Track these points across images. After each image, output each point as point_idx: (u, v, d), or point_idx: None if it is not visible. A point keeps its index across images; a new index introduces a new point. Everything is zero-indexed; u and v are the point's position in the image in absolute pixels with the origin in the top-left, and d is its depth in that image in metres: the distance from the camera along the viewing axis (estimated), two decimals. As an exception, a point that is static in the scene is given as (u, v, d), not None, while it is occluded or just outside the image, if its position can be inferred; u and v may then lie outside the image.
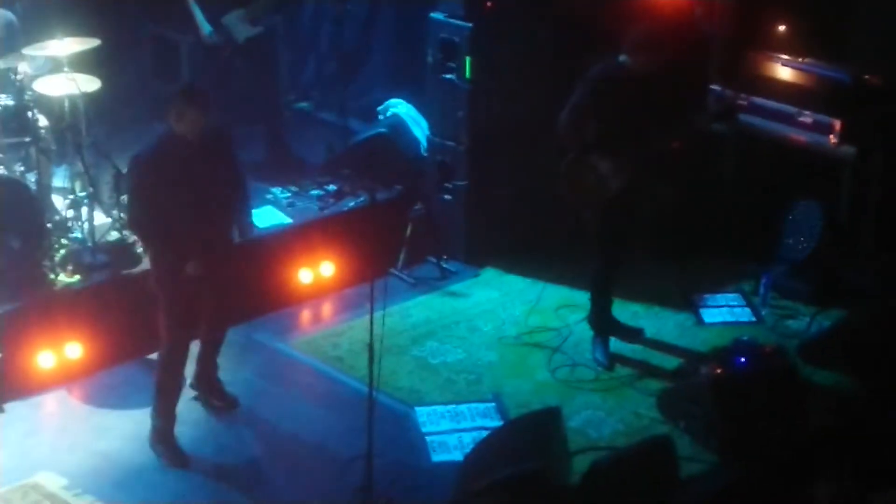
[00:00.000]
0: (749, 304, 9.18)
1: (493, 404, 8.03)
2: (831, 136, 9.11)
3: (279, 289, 9.07)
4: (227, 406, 7.96)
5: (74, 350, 8.13)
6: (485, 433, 7.51)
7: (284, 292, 9.09)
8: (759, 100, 9.50)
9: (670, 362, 8.48)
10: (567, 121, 8.01)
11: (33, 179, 8.59)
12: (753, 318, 9.03)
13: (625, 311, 8.85)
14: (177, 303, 7.40)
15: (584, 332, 8.65)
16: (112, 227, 8.73)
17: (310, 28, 11.32)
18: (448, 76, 9.44)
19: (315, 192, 9.78)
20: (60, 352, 8.10)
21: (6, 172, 8.41)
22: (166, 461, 7.47)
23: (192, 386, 7.94)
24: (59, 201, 8.87)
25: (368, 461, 7.00)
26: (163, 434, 7.53)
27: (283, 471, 7.45)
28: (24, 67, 8.77)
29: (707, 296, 9.24)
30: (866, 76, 9.22)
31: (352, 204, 9.68)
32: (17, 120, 8.53)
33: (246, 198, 7.94)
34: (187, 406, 7.91)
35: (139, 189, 7.32)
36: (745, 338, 8.07)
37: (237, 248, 7.86)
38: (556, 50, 9.40)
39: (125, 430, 7.74)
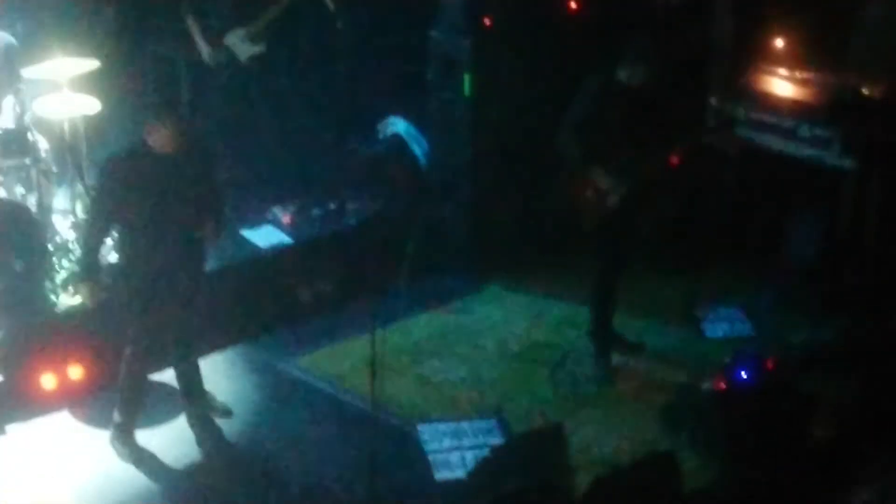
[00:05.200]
0: (751, 317, 9.17)
1: (496, 421, 8.02)
2: (831, 148, 9.12)
3: (281, 307, 9.07)
4: (220, 414, 8.00)
5: (76, 371, 8.13)
6: (487, 450, 7.50)
7: (286, 310, 9.08)
8: (757, 113, 9.50)
9: (673, 376, 8.48)
10: (565, 135, 8.02)
11: (34, 201, 8.61)
12: (755, 331, 9.02)
13: (626, 325, 8.84)
14: (138, 311, 7.47)
15: (586, 347, 8.64)
16: (113, 248, 8.74)
17: (309, 45, 11.33)
18: (448, 93, 9.46)
19: (316, 210, 9.78)
20: (62, 373, 8.10)
21: (7, 195, 8.43)
22: (124, 458, 7.61)
23: (183, 403, 7.97)
24: (60, 223, 8.88)
25: (371, 480, 6.99)
26: (122, 432, 7.66)
27: (286, 490, 7.44)
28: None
29: (709, 309, 9.23)
30: (865, 88, 9.23)
31: (353, 221, 9.69)
32: (17, 142, 8.55)
33: (222, 217, 7.82)
34: (189, 426, 7.93)
35: (102, 192, 7.39)
36: (747, 351, 8.07)
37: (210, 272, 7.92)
38: (555, 64, 9.41)
39: (128, 450, 7.74)
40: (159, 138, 7.20)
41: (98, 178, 7.61)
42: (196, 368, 7.91)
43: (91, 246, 7.45)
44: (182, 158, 7.30)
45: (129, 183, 7.25)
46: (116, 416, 7.71)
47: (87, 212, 8.35)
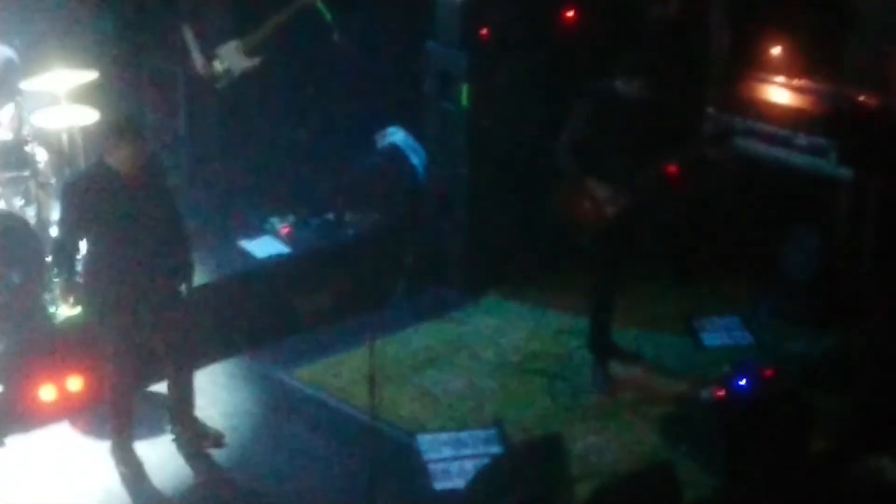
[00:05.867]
0: (749, 327, 9.18)
1: (495, 431, 8.02)
2: (828, 158, 9.14)
3: (279, 319, 9.07)
4: (214, 443, 7.87)
5: (75, 383, 8.13)
6: (487, 460, 7.50)
7: (284, 322, 9.09)
8: (755, 123, 9.52)
9: (671, 386, 8.48)
10: (563, 146, 8.05)
11: (33, 213, 8.62)
12: (753, 341, 9.03)
13: (625, 335, 8.85)
14: (116, 338, 7.42)
15: (585, 357, 8.65)
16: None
17: (306, 57, 11.35)
18: (445, 104, 9.48)
19: (314, 221, 9.80)
20: (62, 385, 8.10)
21: (5, 207, 8.44)
22: (123, 470, 7.57)
23: (172, 432, 7.87)
24: (58, 235, 8.89)
25: (371, 490, 7.00)
26: (120, 446, 7.63)
27: (285, 502, 7.44)
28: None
29: (707, 319, 9.24)
30: (862, 97, 9.24)
31: (350, 233, 9.70)
32: (15, 154, 8.56)
33: (187, 243, 7.67)
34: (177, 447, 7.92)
35: (65, 217, 7.35)
36: (745, 361, 8.07)
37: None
38: (552, 75, 9.43)
39: (127, 462, 7.74)
40: (121, 158, 7.15)
41: (61, 196, 7.57)
42: (186, 386, 7.76)
43: (62, 261, 7.45)
44: (141, 178, 7.24)
45: (88, 201, 7.20)
46: (111, 434, 7.69)
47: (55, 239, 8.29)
